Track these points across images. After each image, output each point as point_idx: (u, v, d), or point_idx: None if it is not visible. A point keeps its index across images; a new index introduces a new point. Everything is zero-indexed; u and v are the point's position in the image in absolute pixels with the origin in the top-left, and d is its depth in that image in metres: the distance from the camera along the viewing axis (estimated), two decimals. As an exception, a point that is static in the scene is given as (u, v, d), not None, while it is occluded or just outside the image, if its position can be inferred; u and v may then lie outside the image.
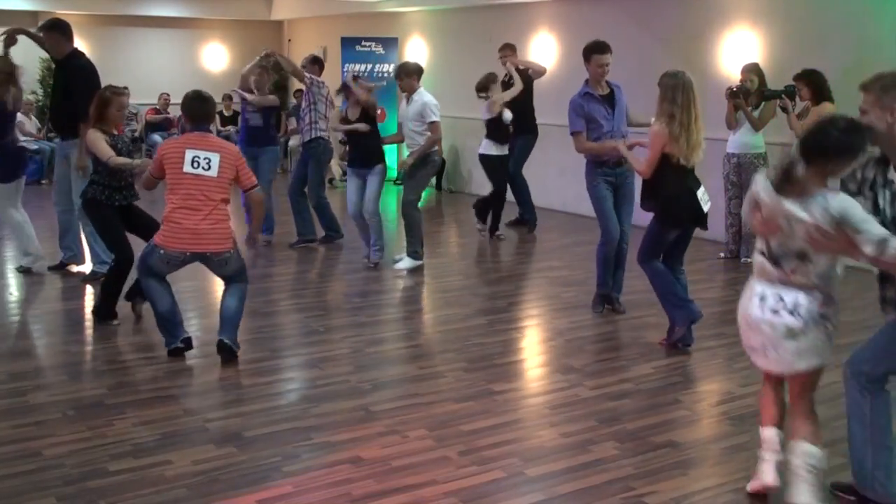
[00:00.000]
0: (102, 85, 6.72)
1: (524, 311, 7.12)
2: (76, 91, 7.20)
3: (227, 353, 5.45)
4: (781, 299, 3.52)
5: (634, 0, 10.42)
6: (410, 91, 7.95)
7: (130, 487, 3.85)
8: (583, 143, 6.55)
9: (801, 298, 3.49)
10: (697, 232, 5.93)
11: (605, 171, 6.60)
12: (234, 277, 5.54)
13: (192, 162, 5.27)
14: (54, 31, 7.40)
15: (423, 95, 7.90)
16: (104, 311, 6.23)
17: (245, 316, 6.05)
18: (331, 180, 13.60)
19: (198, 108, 5.54)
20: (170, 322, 5.53)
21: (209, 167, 5.29)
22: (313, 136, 8.79)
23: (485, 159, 9.40)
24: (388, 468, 4.08)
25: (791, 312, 3.49)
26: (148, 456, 4.17)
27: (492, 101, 9.10)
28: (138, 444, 4.31)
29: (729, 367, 5.58)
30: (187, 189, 5.28)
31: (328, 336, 6.17)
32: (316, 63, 9.08)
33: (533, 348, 6.25)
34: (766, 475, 3.82)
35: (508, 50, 9.99)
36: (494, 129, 9.17)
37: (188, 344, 5.56)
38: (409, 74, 7.97)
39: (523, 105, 9.53)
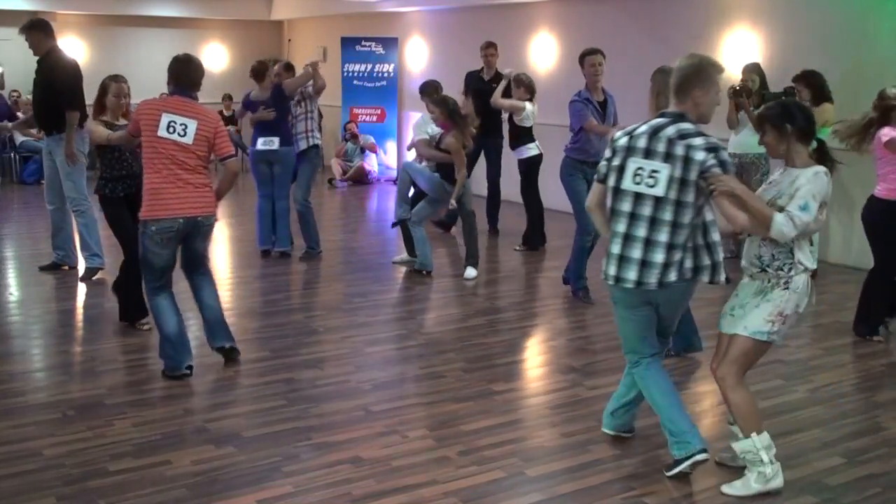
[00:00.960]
0: (84, 78, 6.70)
1: (524, 311, 7.11)
2: (57, 84, 7.23)
3: (232, 353, 5.45)
4: None
5: (634, 0, 10.43)
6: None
7: (130, 487, 3.85)
8: (593, 124, 6.77)
9: None
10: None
11: (584, 168, 6.87)
12: (202, 260, 5.36)
13: (168, 127, 5.04)
14: (35, 30, 7.42)
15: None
16: (132, 312, 6.13)
17: (245, 316, 6.07)
18: (330, 180, 13.60)
19: (181, 71, 5.20)
20: (177, 344, 5.22)
21: (185, 134, 5.05)
22: (310, 143, 8.55)
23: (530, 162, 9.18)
24: (388, 468, 4.08)
25: None
26: (148, 456, 4.17)
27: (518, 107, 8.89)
28: (138, 444, 4.31)
29: (729, 367, 5.56)
30: (163, 154, 5.06)
31: (328, 336, 6.16)
32: (289, 70, 8.77)
33: (533, 348, 6.25)
34: None
35: (493, 48, 9.91)
36: (530, 130, 9.03)
37: (190, 370, 5.30)
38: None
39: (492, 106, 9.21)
